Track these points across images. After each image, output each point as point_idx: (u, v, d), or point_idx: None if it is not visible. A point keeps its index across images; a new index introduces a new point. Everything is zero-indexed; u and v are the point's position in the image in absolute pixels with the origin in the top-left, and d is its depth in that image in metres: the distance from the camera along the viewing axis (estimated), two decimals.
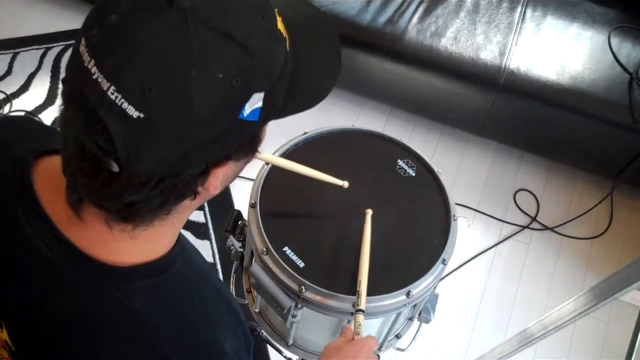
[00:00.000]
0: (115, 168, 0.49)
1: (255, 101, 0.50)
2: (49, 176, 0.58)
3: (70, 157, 0.52)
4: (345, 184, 1.03)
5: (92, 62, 0.46)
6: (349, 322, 0.98)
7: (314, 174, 1.00)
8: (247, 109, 0.50)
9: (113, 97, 0.45)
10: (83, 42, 0.48)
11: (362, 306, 0.91)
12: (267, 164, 1.07)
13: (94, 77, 0.46)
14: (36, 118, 2.18)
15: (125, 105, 0.45)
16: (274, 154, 1.12)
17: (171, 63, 0.46)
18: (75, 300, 0.57)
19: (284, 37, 0.53)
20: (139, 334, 0.58)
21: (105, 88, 0.46)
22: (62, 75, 0.51)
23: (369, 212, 1.03)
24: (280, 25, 0.52)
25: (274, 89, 0.52)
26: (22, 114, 2.20)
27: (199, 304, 0.65)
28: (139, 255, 0.59)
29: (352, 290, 0.97)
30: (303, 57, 0.56)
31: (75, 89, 0.47)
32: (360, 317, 0.89)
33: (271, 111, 0.53)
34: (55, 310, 0.58)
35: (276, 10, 0.53)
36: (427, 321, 1.20)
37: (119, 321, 0.57)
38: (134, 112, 0.45)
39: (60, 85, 0.51)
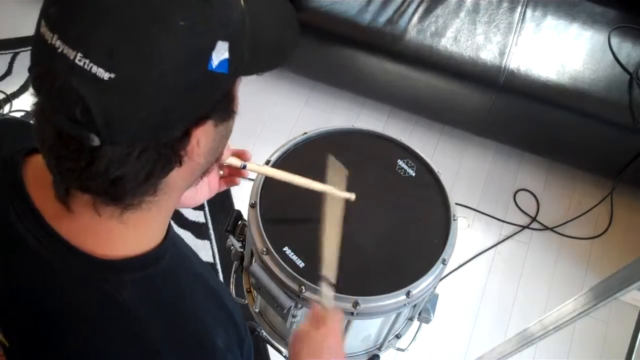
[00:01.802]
0: (96, 141, 0.48)
1: (221, 51, 0.50)
2: (39, 173, 0.58)
3: (51, 147, 0.52)
4: (353, 196, 1.02)
5: (55, 37, 0.46)
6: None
7: (323, 188, 0.99)
8: (215, 60, 0.50)
9: (82, 63, 0.46)
10: (43, 23, 0.48)
11: (329, 276, 0.90)
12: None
13: (60, 50, 0.46)
14: None
15: (95, 69, 0.45)
16: (273, 154, 1.12)
17: (133, 18, 0.46)
18: (66, 294, 0.57)
19: None
20: (129, 328, 0.58)
21: (72, 57, 0.46)
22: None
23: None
24: None
25: (237, 40, 0.52)
26: (22, 114, 2.21)
27: (189, 299, 0.64)
28: (129, 246, 0.59)
29: (352, 290, 0.97)
30: (259, 13, 0.56)
31: (44, 69, 0.48)
32: (327, 288, 0.89)
33: (239, 65, 0.53)
34: (46, 305, 0.58)
35: None
36: (427, 321, 1.20)
37: (109, 315, 0.57)
38: (104, 74, 0.46)
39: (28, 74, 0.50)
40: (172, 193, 0.60)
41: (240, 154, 0.86)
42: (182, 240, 0.74)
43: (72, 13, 0.46)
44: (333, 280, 0.89)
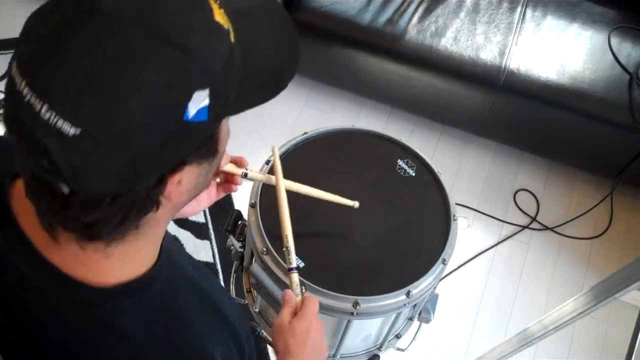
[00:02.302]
0: (66, 190, 0.47)
1: (200, 100, 0.48)
2: (26, 198, 0.56)
3: (27, 182, 0.51)
4: (356, 204, 1.02)
5: (24, 84, 0.45)
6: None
7: (324, 196, 0.98)
8: (192, 110, 0.47)
9: (47, 116, 0.44)
10: (15, 63, 0.46)
11: (293, 264, 0.88)
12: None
13: (26, 99, 0.45)
14: None
15: (60, 122, 0.44)
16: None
17: (101, 72, 0.44)
18: (65, 323, 0.57)
19: (226, 28, 0.50)
20: (128, 354, 0.58)
21: (38, 109, 0.44)
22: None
23: (276, 148, 0.95)
24: (219, 17, 0.50)
25: (220, 84, 0.49)
26: None
27: (186, 318, 0.64)
28: (119, 273, 0.58)
29: (352, 290, 0.97)
30: (254, 45, 0.54)
31: (12, 113, 0.46)
32: (294, 276, 0.88)
33: (223, 107, 0.51)
34: (47, 334, 0.57)
35: (217, 1, 0.51)
36: (427, 321, 1.20)
37: (108, 342, 0.57)
38: (69, 129, 0.44)
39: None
40: (158, 224, 0.58)
41: (237, 162, 0.85)
42: (176, 245, 0.74)
43: (41, 59, 0.45)
44: (294, 264, 0.88)
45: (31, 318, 0.58)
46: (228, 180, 0.86)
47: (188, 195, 0.57)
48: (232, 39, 0.51)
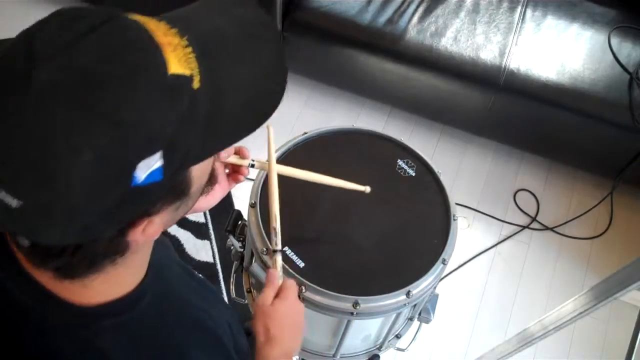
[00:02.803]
0: (26, 243, 0.49)
1: (151, 164, 0.46)
2: None
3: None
4: (367, 188, 1.02)
5: None
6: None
7: (334, 182, 0.98)
8: (141, 175, 0.46)
9: None
10: None
11: (279, 246, 0.89)
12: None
13: None
14: None
15: (2, 194, 0.44)
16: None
17: (36, 150, 0.43)
18: (48, 341, 0.57)
19: (187, 75, 0.48)
20: None
21: None
22: None
23: (270, 128, 0.93)
24: (176, 67, 0.47)
25: (178, 141, 0.47)
26: None
27: (173, 336, 0.64)
28: (103, 294, 0.58)
29: (352, 290, 0.97)
30: (225, 80, 0.51)
31: None
32: (279, 258, 0.89)
33: (186, 159, 0.50)
34: (30, 352, 0.57)
35: (179, 42, 0.48)
36: (427, 321, 1.20)
37: None
38: (12, 201, 0.44)
39: None
40: (138, 252, 0.57)
41: (240, 152, 0.84)
42: (171, 262, 0.73)
43: None
44: (280, 247, 0.89)
45: (16, 336, 0.58)
46: (235, 171, 0.86)
47: (164, 228, 0.55)
48: (197, 84, 0.48)
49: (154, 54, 0.46)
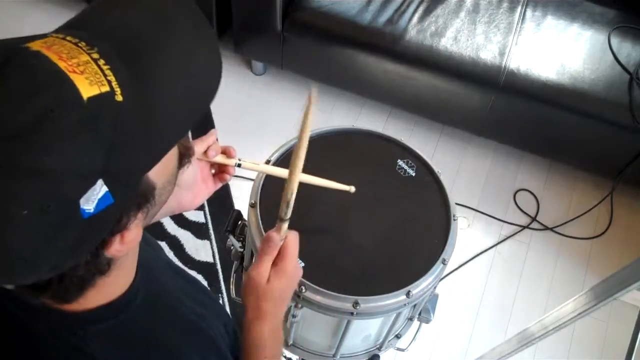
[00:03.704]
0: (10, 286, 0.50)
1: (95, 195, 0.44)
2: None
3: None
4: (352, 188, 1.01)
5: None
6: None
7: (317, 182, 0.96)
8: (89, 207, 0.44)
9: None
10: None
11: (288, 215, 0.80)
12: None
13: None
14: None
15: None
16: (273, 154, 1.11)
17: None
18: (36, 349, 0.57)
19: (105, 91, 0.44)
20: None
21: None
22: None
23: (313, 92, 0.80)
24: (88, 89, 0.43)
25: (115, 164, 0.45)
26: None
27: (164, 338, 0.64)
28: (93, 301, 0.58)
29: (352, 290, 0.97)
30: (152, 83, 0.47)
31: None
32: (285, 225, 0.80)
33: (133, 174, 0.48)
34: (14, 358, 0.57)
35: (88, 59, 0.44)
36: (427, 321, 1.20)
37: None
38: None
39: None
40: (126, 259, 0.57)
41: (227, 152, 0.82)
42: (160, 262, 0.73)
43: None
44: (288, 216, 0.80)
45: (4, 341, 0.58)
46: (222, 171, 0.84)
47: (144, 226, 0.55)
48: (119, 96, 0.45)
49: (63, 87, 0.43)
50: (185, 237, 1.96)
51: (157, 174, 0.52)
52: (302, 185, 0.97)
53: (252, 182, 1.08)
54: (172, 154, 0.55)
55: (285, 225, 0.83)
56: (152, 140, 0.48)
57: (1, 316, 0.58)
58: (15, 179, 0.41)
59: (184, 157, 0.60)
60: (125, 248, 0.51)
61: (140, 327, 0.62)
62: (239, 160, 0.83)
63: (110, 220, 0.48)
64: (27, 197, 0.41)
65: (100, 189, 0.44)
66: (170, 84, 0.49)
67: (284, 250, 0.77)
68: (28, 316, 0.57)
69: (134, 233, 0.51)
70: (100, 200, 0.44)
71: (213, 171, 0.86)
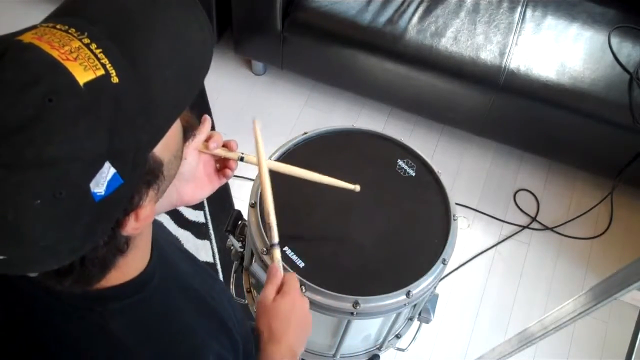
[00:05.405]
0: (34, 274, 0.50)
1: (104, 177, 0.45)
2: None
3: None
4: (357, 187, 1.00)
5: None
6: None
7: (324, 180, 0.96)
8: (100, 189, 0.45)
9: None
10: None
11: (276, 239, 0.86)
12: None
13: None
14: None
15: None
16: (273, 154, 1.12)
17: None
18: (54, 326, 0.58)
19: (100, 75, 0.45)
20: (118, 357, 0.58)
21: None
22: None
23: (257, 122, 0.90)
24: (86, 75, 0.44)
25: (119, 148, 0.46)
26: None
27: (179, 317, 0.64)
28: (112, 278, 0.58)
29: (352, 290, 0.97)
30: (146, 56, 0.48)
31: None
32: (277, 252, 0.86)
33: (139, 152, 0.49)
34: (37, 336, 0.58)
35: (79, 45, 0.45)
36: (427, 321, 1.20)
37: (98, 345, 0.58)
38: None
39: None
40: (140, 238, 0.58)
41: (228, 146, 0.81)
42: (169, 244, 0.73)
43: None
44: (277, 240, 0.86)
45: (21, 321, 0.58)
46: (224, 166, 0.84)
47: (157, 202, 0.56)
48: (115, 78, 0.45)
49: (58, 76, 0.43)
50: (185, 237, 1.96)
51: (163, 149, 0.53)
52: (303, 185, 0.97)
53: (252, 182, 1.08)
54: (176, 129, 0.56)
55: (277, 250, 0.86)
56: (152, 117, 0.49)
57: (17, 290, 0.58)
58: (23, 172, 0.42)
59: (188, 130, 0.61)
60: (140, 225, 0.53)
61: (158, 304, 0.63)
62: (242, 153, 0.83)
63: (123, 200, 0.49)
64: (38, 188, 0.42)
65: (108, 172, 0.45)
66: (163, 60, 0.49)
67: (286, 276, 0.83)
68: (45, 292, 0.57)
69: (148, 210, 0.53)
70: (109, 182, 0.46)
71: (218, 165, 0.85)
